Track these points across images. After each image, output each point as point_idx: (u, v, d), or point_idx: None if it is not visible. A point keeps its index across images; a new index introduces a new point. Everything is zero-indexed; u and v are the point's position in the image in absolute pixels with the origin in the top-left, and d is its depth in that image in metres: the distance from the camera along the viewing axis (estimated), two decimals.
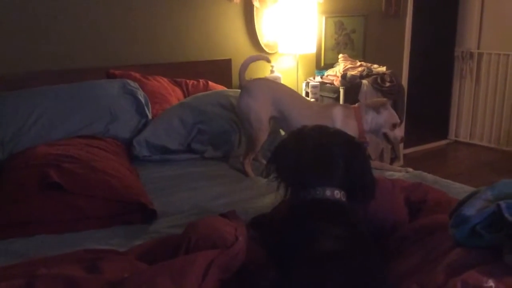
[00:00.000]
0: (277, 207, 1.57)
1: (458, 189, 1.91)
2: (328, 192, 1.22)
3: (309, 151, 1.29)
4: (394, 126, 2.31)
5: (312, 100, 3.35)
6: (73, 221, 1.70)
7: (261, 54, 2.59)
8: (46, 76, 2.62)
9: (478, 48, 4.69)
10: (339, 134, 1.36)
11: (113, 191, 1.76)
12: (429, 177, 2.12)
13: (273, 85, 2.41)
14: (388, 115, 2.30)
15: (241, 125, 2.49)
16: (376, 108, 2.28)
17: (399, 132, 2.37)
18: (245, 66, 2.33)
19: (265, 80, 2.61)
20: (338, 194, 1.23)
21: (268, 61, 2.52)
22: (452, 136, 5.02)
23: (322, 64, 3.79)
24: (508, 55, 4.46)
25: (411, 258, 1.22)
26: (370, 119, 2.29)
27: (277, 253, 1.18)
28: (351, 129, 2.23)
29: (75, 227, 1.69)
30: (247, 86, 2.30)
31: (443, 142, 5.00)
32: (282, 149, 1.37)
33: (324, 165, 1.27)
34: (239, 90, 2.41)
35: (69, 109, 2.40)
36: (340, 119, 2.27)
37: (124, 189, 1.79)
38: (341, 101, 3.32)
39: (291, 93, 2.39)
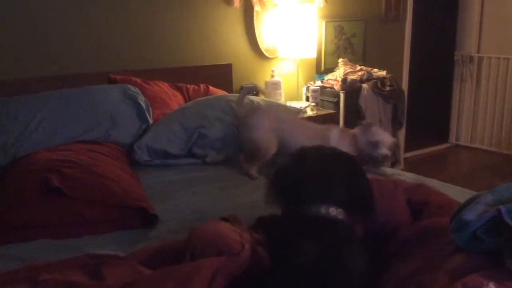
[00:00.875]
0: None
1: (459, 193, 1.90)
2: (323, 210, 1.20)
3: (307, 174, 1.27)
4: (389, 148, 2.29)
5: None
6: (75, 226, 1.71)
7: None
8: (47, 81, 2.63)
9: (478, 52, 4.70)
10: (338, 154, 1.34)
11: (114, 196, 1.77)
12: (428, 181, 2.12)
13: (271, 114, 2.44)
14: (386, 142, 2.25)
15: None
16: (375, 144, 2.23)
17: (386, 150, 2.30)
18: (243, 95, 2.39)
19: (262, 110, 2.56)
20: (334, 211, 1.21)
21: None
22: (452, 140, 5.02)
23: (322, 69, 3.80)
24: (508, 58, 4.47)
25: (412, 261, 1.22)
26: (367, 148, 2.24)
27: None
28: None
29: (77, 232, 1.69)
30: (248, 122, 2.34)
31: (444, 146, 5.00)
32: (280, 176, 1.35)
33: (323, 186, 1.25)
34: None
35: (70, 114, 2.41)
36: (336, 143, 2.23)
37: (125, 194, 1.79)
38: (341, 106, 3.33)
39: (289, 117, 2.42)
